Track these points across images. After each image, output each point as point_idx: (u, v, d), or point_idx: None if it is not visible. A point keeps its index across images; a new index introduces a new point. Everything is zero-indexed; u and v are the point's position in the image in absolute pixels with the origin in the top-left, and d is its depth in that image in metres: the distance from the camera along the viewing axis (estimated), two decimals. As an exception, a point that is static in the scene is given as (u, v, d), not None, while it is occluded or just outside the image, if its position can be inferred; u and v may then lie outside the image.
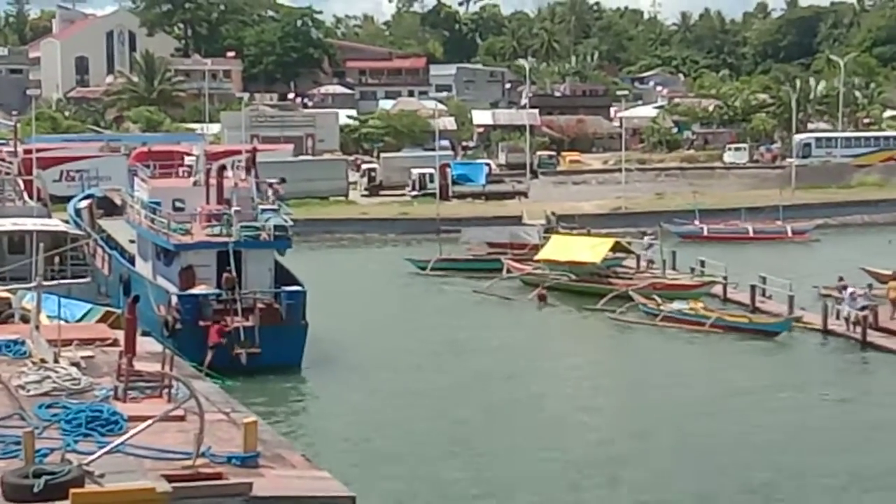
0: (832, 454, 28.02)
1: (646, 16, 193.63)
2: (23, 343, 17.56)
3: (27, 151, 67.05)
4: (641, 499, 25.17)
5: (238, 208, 38.78)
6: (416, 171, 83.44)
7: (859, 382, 36.59)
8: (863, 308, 40.18)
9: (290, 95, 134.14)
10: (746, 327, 42.09)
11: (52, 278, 37.86)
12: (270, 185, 41.81)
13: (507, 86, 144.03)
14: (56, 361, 16.17)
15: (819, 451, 28.36)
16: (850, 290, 41.75)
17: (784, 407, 32.60)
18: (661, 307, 44.23)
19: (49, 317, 20.74)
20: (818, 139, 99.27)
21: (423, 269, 56.86)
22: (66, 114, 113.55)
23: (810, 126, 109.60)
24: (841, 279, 44.16)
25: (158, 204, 40.36)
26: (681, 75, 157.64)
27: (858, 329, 39.98)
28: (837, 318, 41.36)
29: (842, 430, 30.29)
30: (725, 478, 26.21)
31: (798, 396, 34.05)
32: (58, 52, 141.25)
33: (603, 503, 25.22)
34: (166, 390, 15.11)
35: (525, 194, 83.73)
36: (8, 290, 23.37)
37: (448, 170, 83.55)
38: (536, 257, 53.61)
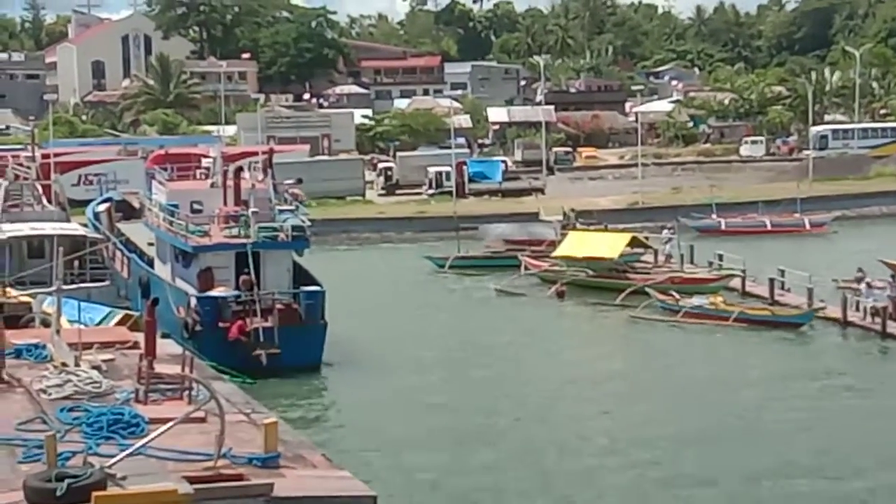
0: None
1: (660, 10, 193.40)
2: (44, 347, 17.64)
3: (45, 156, 67.16)
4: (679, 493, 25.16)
5: (256, 209, 38.83)
6: (432, 170, 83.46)
7: (879, 372, 36.53)
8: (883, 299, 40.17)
9: (306, 96, 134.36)
10: (770, 320, 42.01)
11: (72, 282, 38.05)
12: (288, 190, 41.88)
13: (522, 83, 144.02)
14: (77, 365, 16.25)
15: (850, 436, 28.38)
16: (867, 280, 41.68)
17: (812, 396, 32.77)
18: (681, 302, 44.13)
19: (69, 321, 20.84)
20: (835, 131, 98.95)
21: (442, 266, 56.94)
22: (83, 118, 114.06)
23: (827, 118, 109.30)
24: (860, 270, 44.00)
25: (176, 206, 40.47)
26: (696, 69, 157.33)
27: (878, 320, 39.95)
28: (857, 309, 41.31)
29: (867, 418, 30.30)
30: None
31: (820, 385, 34.22)
32: (74, 57, 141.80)
33: (626, 500, 25.19)
34: (187, 392, 15.17)
35: (542, 191, 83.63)
36: (28, 295, 23.50)
37: (464, 167, 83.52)
38: (554, 254, 53.58)
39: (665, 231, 56.99)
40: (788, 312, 42.94)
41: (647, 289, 46.39)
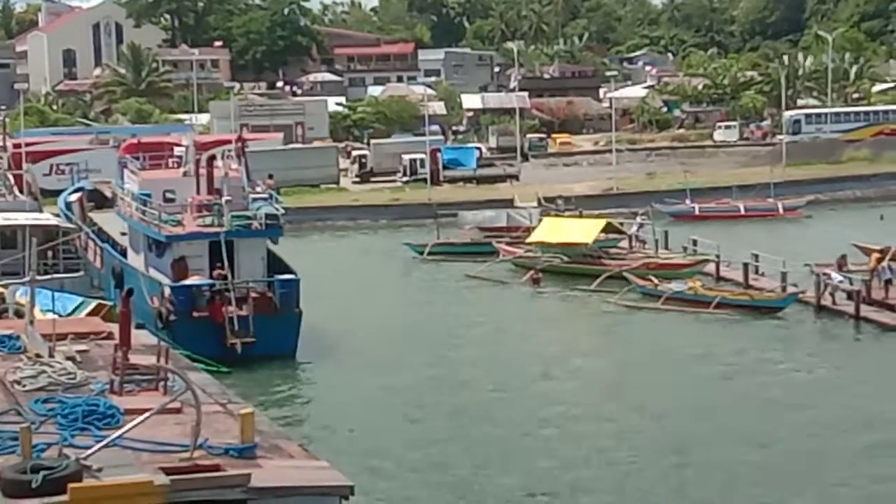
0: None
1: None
2: (17, 338, 17.53)
3: (16, 146, 66.98)
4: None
5: (229, 198, 38.70)
6: (406, 157, 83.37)
7: (852, 355, 36.79)
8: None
9: (279, 84, 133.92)
10: (749, 305, 42.15)
11: (45, 273, 37.84)
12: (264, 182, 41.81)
13: (496, 69, 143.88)
14: (51, 356, 16.16)
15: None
16: (839, 263, 42.24)
17: (780, 378, 33.03)
18: (660, 288, 44.24)
19: (43, 311, 20.72)
20: (808, 115, 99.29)
21: (421, 253, 56.98)
22: (55, 107, 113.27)
23: (800, 102, 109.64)
24: (843, 257, 44.01)
25: (149, 195, 40.26)
26: (669, 55, 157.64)
27: (852, 304, 40.27)
28: (830, 293, 41.61)
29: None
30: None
31: (792, 366, 34.68)
32: (45, 46, 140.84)
33: (609, 487, 25.24)
34: (162, 383, 15.11)
35: (516, 177, 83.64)
36: (1, 286, 23.36)
37: (439, 155, 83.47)
38: (528, 240, 53.64)
39: (637, 217, 57.08)
40: (768, 297, 43.10)
41: (626, 274, 46.48)
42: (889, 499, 24.18)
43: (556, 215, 58.57)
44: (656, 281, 44.99)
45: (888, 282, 41.12)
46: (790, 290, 43.11)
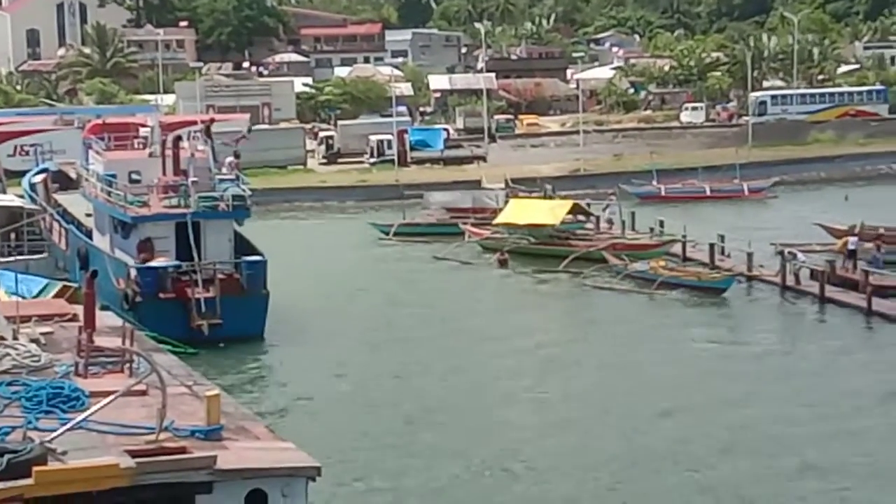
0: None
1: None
2: (-20, 321, 17.39)
3: (-21, 127, 66.28)
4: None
5: (195, 179, 38.52)
6: (373, 138, 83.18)
7: (816, 335, 37.19)
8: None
9: (245, 64, 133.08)
10: (694, 285, 42.59)
11: (9, 254, 37.61)
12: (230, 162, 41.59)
13: (464, 50, 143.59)
14: (15, 338, 16.04)
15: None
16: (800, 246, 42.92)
17: (741, 356, 33.44)
18: (627, 268, 44.76)
19: (7, 293, 20.59)
20: (773, 97, 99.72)
21: (386, 234, 56.96)
22: (18, 87, 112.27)
23: (766, 84, 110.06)
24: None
25: (114, 176, 40.03)
26: (636, 36, 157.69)
27: (816, 283, 40.68)
28: (793, 273, 42.02)
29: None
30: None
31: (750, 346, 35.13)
32: (8, 26, 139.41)
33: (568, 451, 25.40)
34: (128, 365, 15.04)
35: (484, 158, 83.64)
36: (-36, 268, 23.17)
37: (406, 136, 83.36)
38: (495, 221, 53.69)
39: (607, 199, 57.32)
40: (711, 277, 43.54)
41: (603, 254, 46.83)
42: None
43: (544, 197, 58.28)
44: (627, 261, 45.46)
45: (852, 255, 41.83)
46: (756, 269, 43.58)
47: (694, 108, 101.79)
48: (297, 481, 12.12)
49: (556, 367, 33.73)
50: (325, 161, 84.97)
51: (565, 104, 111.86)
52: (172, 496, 11.54)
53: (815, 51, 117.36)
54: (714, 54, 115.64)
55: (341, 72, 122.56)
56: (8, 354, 15.32)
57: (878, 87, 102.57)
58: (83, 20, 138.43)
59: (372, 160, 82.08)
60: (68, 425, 12.38)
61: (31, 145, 73.95)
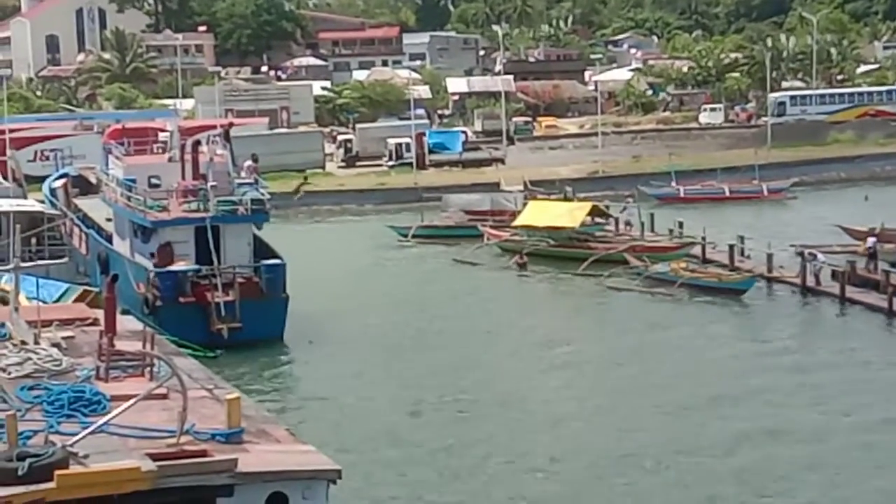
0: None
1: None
2: (2, 325, 17.46)
3: (0, 132, 66.54)
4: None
5: (214, 183, 38.58)
6: (392, 141, 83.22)
7: (838, 335, 37.06)
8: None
9: (264, 69, 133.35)
10: (715, 286, 42.47)
11: (30, 259, 37.71)
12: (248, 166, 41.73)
13: (481, 53, 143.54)
14: (36, 343, 16.11)
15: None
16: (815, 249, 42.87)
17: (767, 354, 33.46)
18: (648, 270, 44.73)
19: (28, 298, 20.66)
20: (793, 97, 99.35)
21: (405, 236, 56.97)
22: (39, 93, 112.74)
23: (784, 84, 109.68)
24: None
25: (134, 181, 40.14)
26: (654, 37, 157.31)
27: (837, 284, 40.57)
28: (814, 274, 41.90)
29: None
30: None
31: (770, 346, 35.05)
32: (28, 32, 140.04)
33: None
34: (148, 369, 15.08)
35: (502, 161, 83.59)
36: (-15, 273, 23.25)
37: (424, 139, 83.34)
38: (514, 223, 53.64)
39: (626, 201, 57.22)
40: (732, 279, 43.44)
41: (625, 255, 46.77)
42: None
43: (563, 199, 58.18)
44: (648, 262, 45.44)
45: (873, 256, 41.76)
46: (776, 271, 43.46)
47: (713, 110, 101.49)
48: (318, 484, 12.14)
49: (577, 367, 33.67)
50: (343, 164, 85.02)
51: (583, 106, 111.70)
52: (193, 499, 11.58)
53: (834, 51, 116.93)
54: (732, 55, 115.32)
55: (359, 75, 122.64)
56: (29, 359, 15.39)
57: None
58: (102, 25, 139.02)
59: (390, 163, 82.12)
60: (90, 429, 12.43)
61: (52, 150, 74.30)
